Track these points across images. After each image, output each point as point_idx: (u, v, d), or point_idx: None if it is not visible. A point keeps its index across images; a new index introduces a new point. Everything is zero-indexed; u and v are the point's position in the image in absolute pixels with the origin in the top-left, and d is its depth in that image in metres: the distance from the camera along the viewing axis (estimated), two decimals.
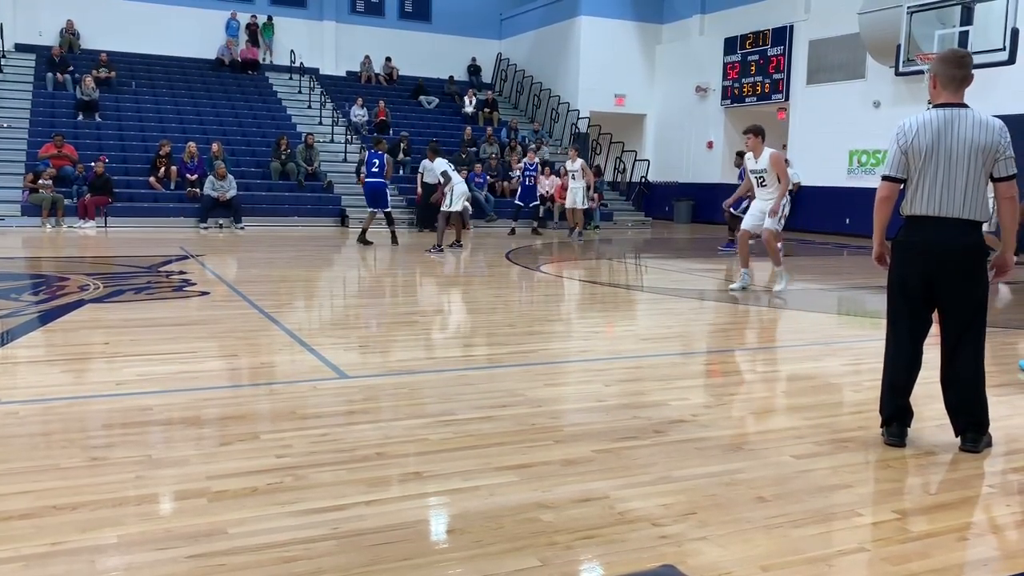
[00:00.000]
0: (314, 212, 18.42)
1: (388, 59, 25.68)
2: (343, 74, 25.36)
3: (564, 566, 2.64)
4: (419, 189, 17.45)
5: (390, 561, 2.64)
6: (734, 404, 4.70)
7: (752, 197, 11.75)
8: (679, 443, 3.90)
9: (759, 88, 21.38)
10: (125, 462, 3.46)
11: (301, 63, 23.76)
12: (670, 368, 5.68)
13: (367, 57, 25.37)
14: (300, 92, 23.14)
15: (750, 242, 9.55)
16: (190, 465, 3.46)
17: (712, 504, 3.15)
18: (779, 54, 20.75)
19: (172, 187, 17.64)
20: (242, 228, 16.82)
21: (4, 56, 20.99)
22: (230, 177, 17.21)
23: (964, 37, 14.82)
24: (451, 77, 25.90)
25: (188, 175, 17.66)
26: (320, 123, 21.65)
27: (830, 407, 4.68)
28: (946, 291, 3.76)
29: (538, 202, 18.40)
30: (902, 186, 3.85)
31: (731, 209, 13.08)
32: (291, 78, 23.72)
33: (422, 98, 24.65)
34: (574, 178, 16.11)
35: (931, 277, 3.76)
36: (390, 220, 14.36)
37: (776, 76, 20.84)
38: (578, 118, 23.81)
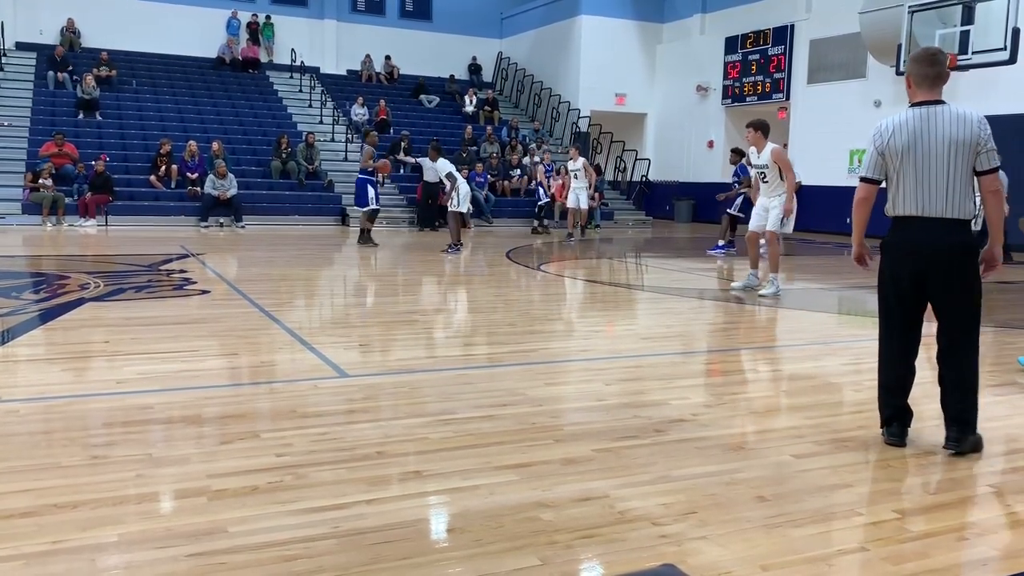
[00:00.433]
0: (314, 211, 18.42)
1: (388, 58, 25.68)
2: (344, 73, 25.36)
3: (564, 565, 2.64)
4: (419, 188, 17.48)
5: (390, 560, 2.64)
6: (734, 403, 4.70)
7: (745, 195, 11.75)
8: (679, 442, 3.90)
9: (760, 87, 21.38)
10: (126, 461, 3.46)
11: (302, 62, 23.75)
12: (670, 367, 5.68)
13: (368, 56, 25.36)
14: (301, 91, 23.14)
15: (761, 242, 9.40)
16: (190, 464, 3.46)
17: (712, 503, 3.15)
18: (780, 53, 20.74)
19: (173, 186, 17.65)
20: (243, 227, 16.82)
21: (5, 55, 20.99)
22: (231, 176, 17.22)
23: (965, 37, 14.81)
24: (452, 76, 25.90)
25: (189, 174, 17.67)
26: (321, 122, 21.65)
27: (830, 407, 4.68)
28: (937, 291, 3.72)
29: (548, 200, 18.32)
30: (880, 186, 3.84)
31: (728, 211, 13.08)
32: (292, 77, 23.72)
33: (423, 97, 24.65)
34: (576, 177, 16.06)
35: (920, 277, 3.72)
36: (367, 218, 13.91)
37: (777, 75, 20.84)
38: (579, 117, 23.81)
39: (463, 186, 13.07)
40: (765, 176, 8.98)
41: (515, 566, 2.61)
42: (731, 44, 22.09)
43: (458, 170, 13.81)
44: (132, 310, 7.20)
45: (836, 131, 18.88)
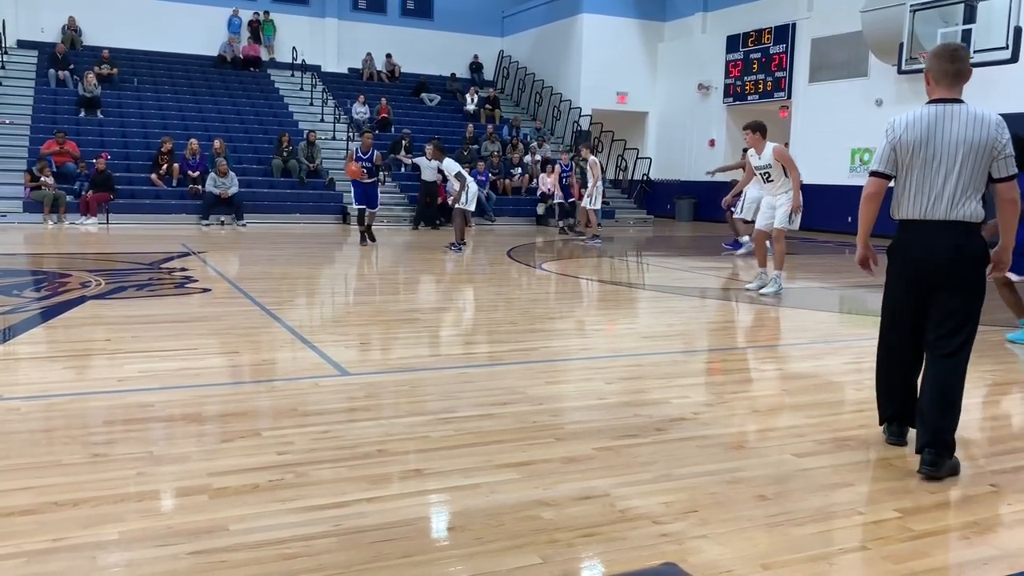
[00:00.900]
0: (316, 209, 18.43)
1: (390, 56, 25.67)
2: (345, 71, 25.35)
3: (565, 564, 2.64)
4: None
5: (391, 558, 2.64)
6: (735, 402, 4.69)
7: (739, 194, 11.72)
8: (680, 441, 3.90)
9: (761, 86, 21.36)
10: (126, 458, 3.46)
11: (303, 60, 23.75)
12: (671, 366, 5.68)
13: (369, 54, 25.36)
14: (302, 89, 23.14)
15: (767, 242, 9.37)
16: (191, 462, 3.46)
17: (713, 502, 3.15)
18: (781, 52, 20.72)
19: (174, 184, 17.65)
20: (244, 225, 16.83)
21: (6, 53, 21.00)
22: (232, 174, 17.22)
23: (967, 35, 14.80)
24: (453, 74, 25.89)
25: (190, 172, 17.67)
26: (322, 120, 21.65)
27: (831, 406, 4.68)
28: (937, 295, 3.55)
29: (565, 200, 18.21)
30: (890, 183, 3.68)
31: (731, 210, 13.07)
32: (293, 75, 23.72)
33: (424, 95, 24.65)
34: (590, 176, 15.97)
35: (923, 283, 3.58)
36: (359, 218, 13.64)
37: (778, 74, 20.82)
38: (580, 116, 23.80)
39: (472, 185, 12.99)
40: (770, 176, 8.97)
41: (516, 564, 2.61)
42: (732, 43, 22.07)
43: None
44: (133, 308, 7.20)
45: (837, 130, 18.87)
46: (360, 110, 22.06)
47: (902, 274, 3.67)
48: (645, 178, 24.12)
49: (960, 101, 3.58)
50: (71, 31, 22.36)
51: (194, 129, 19.63)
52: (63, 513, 2.90)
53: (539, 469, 3.45)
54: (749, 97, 21.76)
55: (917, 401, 3.64)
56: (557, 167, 18.33)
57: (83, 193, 16.33)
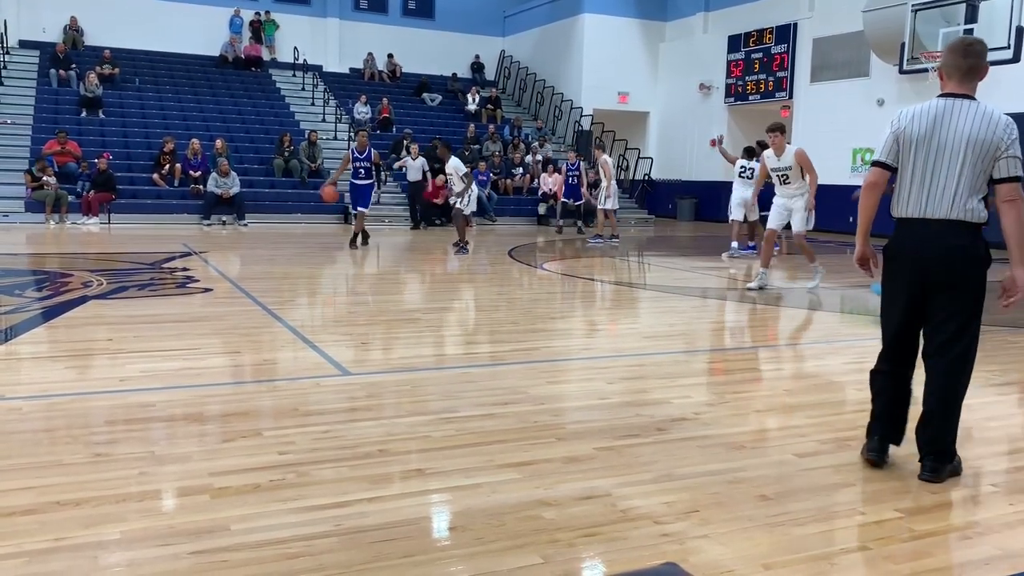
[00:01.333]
0: (317, 209, 18.38)
1: (391, 56, 25.67)
2: (346, 71, 25.36)
3: (566, 564, 2.64)
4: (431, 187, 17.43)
5: (392, 558, 2.64)
6: (736, 402, 4.69)
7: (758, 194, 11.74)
8: (681, 441, 3.90)
9: (763, 86, 21.35)
10: (128, 458, 3.47)
11: (304, 60, 23.76)
12: (673, 366, 5.68)
13: (370, 54, 25.36)
14: (303, 89, 23.15)
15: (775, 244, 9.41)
16: (193, 461, 3.46)
17: (714, 502, 3.15)
18: (783, 52, 20.71)
19: (175, 184, 17.66)
20: (245, 225, 16.83)
21: (8, 53, 21.01)
22: (233, 174, 17.23)
23: (968, 35, 14.78)
24: (454, 74, 25.89)
25: (191, 172, 17.68)
26: (323, 120, 21.66)
27: (833, 405, 4.68)
28: (935, 297, 3.42)
29: (581, 200, 18.17)
30: (892, 175, 3.55)
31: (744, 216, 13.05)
32: (294, 75, 23.73)
33: (425, 95, 24.65)
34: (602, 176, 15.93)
35: (921, 284, 3.43)
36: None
37: (780, 74, 20.81)
38: (581, 116, 23.80)
39: (473, 186, 12.83)
40: (787, 178, 9.05)
41: (517, 564, 2.61)
42: (734, 42, 22.06)
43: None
44: (135, 308, 7.21)
45: (839, 130, 18.84)
46: (361, 110, 22.06)
47: (899, 277, 3.51)
48: (646, 178, 24.11)
49: (971, 97, 3.45)
50: (73, 31, 22.37)
51: (196, 129, 19.64)
52: (64, 513, 2.91)
53: (540, 469, 3.45)
54: (750, 97, 21.75)
55: (922, 413, 3.50)
56: (563, 166, 18.30)
57: (85, 193, 16.34)
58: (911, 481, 3.47)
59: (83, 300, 7.38)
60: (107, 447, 3.63)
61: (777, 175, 9.14)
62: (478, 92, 24.83)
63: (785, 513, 3.07)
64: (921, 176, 3.44)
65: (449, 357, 5.86)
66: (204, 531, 2.79)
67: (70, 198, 16.21)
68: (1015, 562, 2.75)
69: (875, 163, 3.58)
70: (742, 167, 13.03)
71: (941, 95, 3.50)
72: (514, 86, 26.73)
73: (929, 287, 3.42)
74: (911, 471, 3.55)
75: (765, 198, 10.81)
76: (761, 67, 21.32)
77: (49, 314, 6.78)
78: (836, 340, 6.84)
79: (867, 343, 6.49)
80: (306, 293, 9.04)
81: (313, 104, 22.45)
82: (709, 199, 22.08)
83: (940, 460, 3.44)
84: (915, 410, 3.60)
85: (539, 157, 21.40)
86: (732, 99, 22.29)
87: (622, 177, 24.08)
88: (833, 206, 18.32)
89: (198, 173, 17.62)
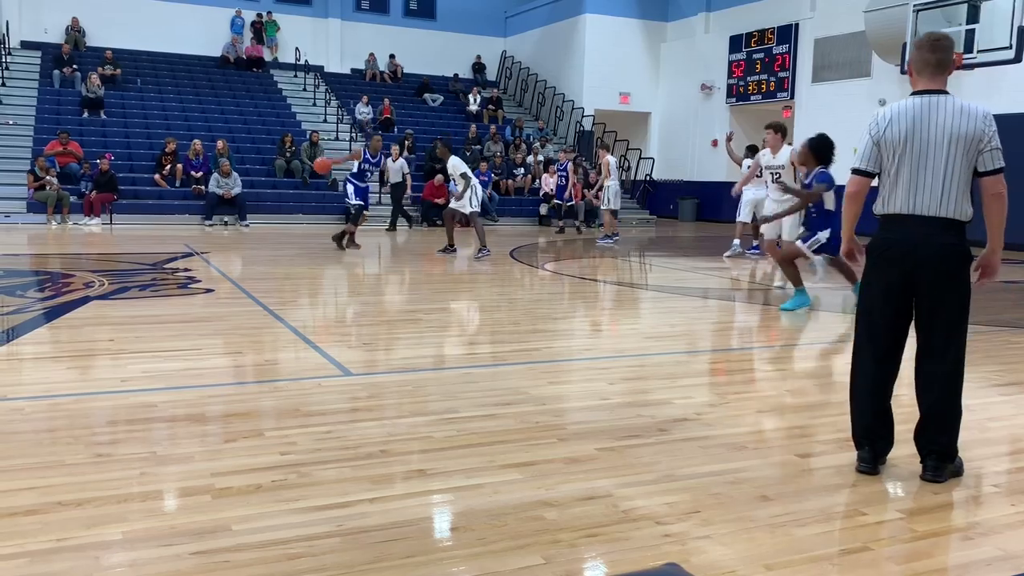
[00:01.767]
0: (318, 210, 18.43)
1: (392, 57, 25.69)
2: (348, 72, 25.37)
3: (567, 564, 2.64)
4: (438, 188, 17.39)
5: (394, 559, 2.64)
6: (738, 403, 4.69)
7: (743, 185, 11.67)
8: (683, 442, 3.90)
9: (764, 86, 21.35)
10: (130, 459, 3.47)
11: (306, 60, 23.78)
12: (674, 366, 5.67)
13: (372, 55, 25.38)
14: (305, 90, 23.16)
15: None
16: (194, 462, 3.46)
17: (716, 503, 3.15)
18: (784, 52, 20.71)
19: (177, 184, 17.67)
20: (247, 225, 16.84)
21: (10, 54, 21.04)
22: (235, 174, 17.24)
23: (970, 35, 14.78)
24: (456, 75, 25.90)
25: (193, 172, 17.69)
26: (325, 121, 21.67)
27: (834, 406, 4.67)
28: (924, 297, 3.39)
29: (571, 201, 18.14)
30: (874, 181, 3.54)
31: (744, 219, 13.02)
32: (296, 76, 23.74)
33: (427, 96, 24.66)
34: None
35: (910, 284, 3.39)
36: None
37: (781, 74, 20.81)
38: (583, 116, 23.80)
39: (478, 187, 12.55)
40: (780, 177, 8.99)
41: (518, 565, 2.61)
42: (735, 43, 22.06)
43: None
44: (136, 308, 7.21)
45: (841, 130, 18.57)
46: (363, 110, 22.07)
47: (885, 274, 3.46)
48: (648, 178, 24.11)
49: (945, 92, 3.43)
50: (75, 32, 22.39)
51: (197, 130, 19.65)
52: (66, 513, 2.91)
53: (542, 469, 3.45)
54: (752, 97, 21.75)
55: (922, 416, 3.49)
56: (553, 166, 18.39)
57: (87, 194, 16.35)
58: (912, 482, 3.47)
59: (85, 300, 7.38)
60: (109, 447, 3.63)
61: (770, 172, 9.10)
62: (479, 92, 24.84)
63: (787, 514, 3.07)
64: (909, 175, 3.40)
65: (450, 357, 5.86)
66: (206, 531, 2.79)
67: (72, 199, 16.23)
68: (1017, 563, 2.75)
69: (855, 171, 3.55)
70: (747, 167, 13.02)
71: (915, 93, 3.48)
72: (515, 86, 26.73)
73: (918, 285, 3.39)
74: (912, 472, 3.55)
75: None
76: (763, 67, 21.32)
77: (51, 314, 6.78)
78: (837, 340, 6.83)
79: None
80: (308, 294, 9.04)
81: (315, 105, 22.47)
82: (711, 200, 22.08)
83: (942, 460, 3.43)
84: (911, 410, 3.59)
85: (540, 157, 21.40)
86: (734, 99, 22.29)
87: (624, 178, 24.10)
88: (835, 206, 18.36)
89: (200, 174, 17.62)
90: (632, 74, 24.35)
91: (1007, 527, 3.04)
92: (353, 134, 20.97)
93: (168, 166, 17.69)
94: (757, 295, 8.94)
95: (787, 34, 20.59)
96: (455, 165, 12.19)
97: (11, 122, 18.39)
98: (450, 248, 12.37)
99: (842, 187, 4.01)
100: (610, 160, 15.23)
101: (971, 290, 3.43)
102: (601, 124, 23.71)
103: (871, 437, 3.53)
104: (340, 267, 11.72)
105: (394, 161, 17.13)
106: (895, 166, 3.43)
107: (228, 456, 3.54)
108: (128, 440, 3.75)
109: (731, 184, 14.35)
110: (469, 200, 11.95)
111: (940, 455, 3.43)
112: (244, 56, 23.96)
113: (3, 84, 19.78)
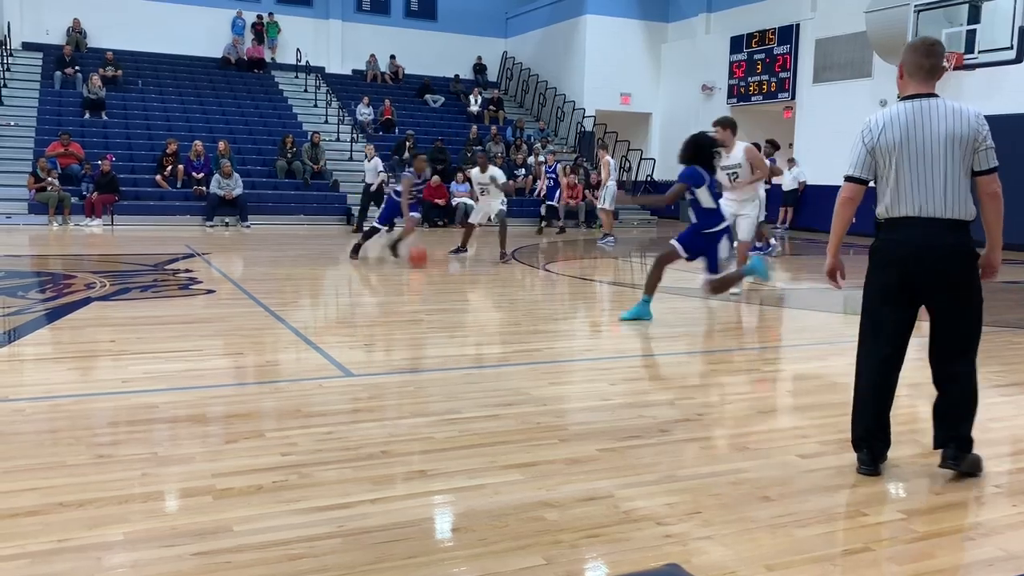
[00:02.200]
0: (320, 211, 18.44)
1: (393, 57, 25.70)
2: (349, 73, 25.37)
3: (569, 565, 2.64)
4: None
5: (395, 559, 2.64)
6: (739, 403, 4.69)
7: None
8: (684, 442, 3.90)
9: (765, 87, 21.33)
10: (131, 459, 3.47)
11: (307, 62, 23.78)
12: (675, 367, 5.67)
13: (372, 56, 25.38)
14: (306, 91, 23.17)
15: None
16: (196, 463, 3.46)
17: (717, 503, 3.15)
18: (785, 53, 20.69)
19: (178, 185, 17.68)
20: (248, 226, 16.84)
21: (11, 55, 21.06)
22: (236, 175, 17.24)
23: (971, 36, 14.77)
24: (457, 76, 25.90)
25: (194, 173, 17.70)
26: (326, 122, 21.67)
27: (835, 406, 4.66)
28: (937, 299, 3.41)
29: (560, 202, 18.15)
30: (867, 187, 3.54)
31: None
32: (297, 77, 23.75)
33: (428, 97, 24.66)
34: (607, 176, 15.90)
35: (916, 285, 3.40)
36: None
37: (782, 75, 20.79)
38: (584, 117, 23.80)
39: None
40: (737, 176, 8.69)
41: (520, 565, 2.61)
42: (736, 43, 22.05)
43: (460, 170, 13.44)
44: (138, 309, 7.22)
45: (841, 131, 18.64)
46: (364, 111, 22.08)
47: (891, 275, 3.45)
48: (649, 179, 24.10)
49: (935, 95, 3.45)
50: (76, 33, 22.40)
51: (198, 131, 19.65)
52: (68, 514, 2.91)
53: (543, 470, 3.45)
54: (753, 98, 21.74)
55: (939, 407, 3.52)
56: (542, 168, 18.43)
57: (88, 195, 16.36)
58: (913, 482, 3.47)
59: (86, 301, 7.39)
60: (110, 448, 3.63)
61: (727, 174, 8.72)
62: (480, 93, 24.84)
63: (788, 514, 3.07)
64: (910, 179, 3.40)
65: (452, 358, 5.86)
66: (207, 532, 2.79)
67: (73, 200, 16.23)
68: (1018, 563, 2.75)
69: (849, 178, 3.55)
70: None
71: (906, 97, 3.50)
72: (516, 87, 26.73)
73: (928, 286, 3.41)
74: (913, 472, 3.55)
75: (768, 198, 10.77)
76: (763, 68, 21.31)
77: (52, 315, 6.79)
78: (838, 341, 6.83)
79: None
80: (309, 294, 9.05)
81: (316, 106, 22.47)
82: None
83: (961, 447, 3.46)
84: (910, 410, 3.59)
85: (541, 158, 21.40)
86: (734, 100, 22.28)
87: (625, 178, 24.09)
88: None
89: (201, 175, 17.63)
90: (633, 75, 24.35)
91: (1008, 527, 3.04)
92: (354, 135, 20.97)
93: (169, 167, 17.70)
94: (757, 295, 8.94)
95: (788, 35, 20.59)
96: (496, 175, 11.83)
97: (12, 123, 18.40)
98: (461, 249, 12.41)
99: (825, 189, 4.01)
100: (610, 161, 15.25)
101: (981, 284, 3.46)
102: (602, 125, 23.71)
103: (869, 439, 3.54)
104: (341, 268, 11.72)
105: (369, 160, 17.01)
106: (892, 171, 3.44)
107: (229, 457, 3.54)
108: (129, 441, 3.75)
109: None
110: (500, 202, 11.82)
111: (959, 444, 3.46)
112: (245, 57, 23.97)
113: (4, 85, 19.79)
